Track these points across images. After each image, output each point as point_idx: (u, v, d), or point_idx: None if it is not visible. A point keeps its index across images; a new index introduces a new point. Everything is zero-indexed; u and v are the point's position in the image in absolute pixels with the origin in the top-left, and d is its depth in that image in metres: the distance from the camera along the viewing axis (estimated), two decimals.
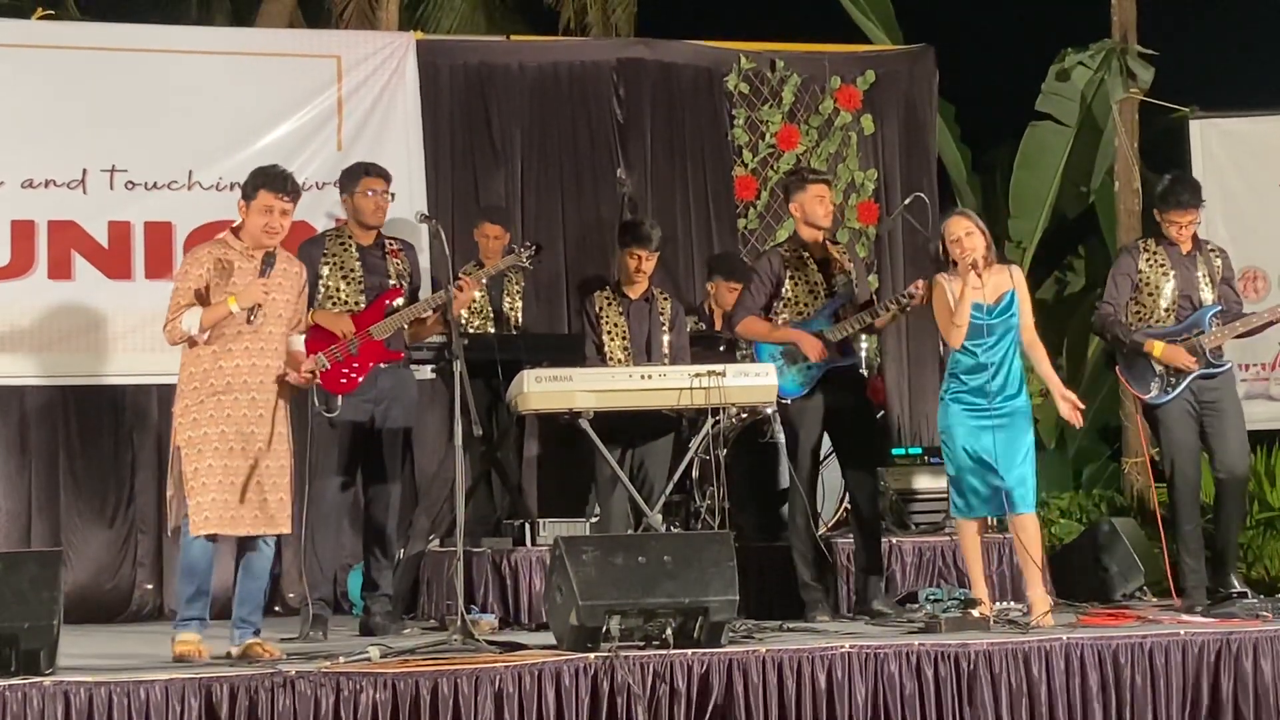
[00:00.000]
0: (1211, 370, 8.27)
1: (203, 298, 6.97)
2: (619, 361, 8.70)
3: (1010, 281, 7.79)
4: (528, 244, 8.72)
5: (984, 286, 7.71)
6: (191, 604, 7.00)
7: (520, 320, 9.64)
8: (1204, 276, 8.36)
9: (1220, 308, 8.37)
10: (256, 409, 6.98)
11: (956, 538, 8.71)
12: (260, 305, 6.92)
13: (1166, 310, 8.32)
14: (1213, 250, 8.48)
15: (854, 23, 13.58)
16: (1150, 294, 8.36)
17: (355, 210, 8.19)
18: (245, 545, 7.10)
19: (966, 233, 7.74)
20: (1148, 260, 8.38)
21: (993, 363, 7.68)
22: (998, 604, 7.72)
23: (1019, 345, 7.82)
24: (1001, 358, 7.71)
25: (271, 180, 7.10)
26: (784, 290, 8.34)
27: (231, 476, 6.92)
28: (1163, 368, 8.24)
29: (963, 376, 7.76)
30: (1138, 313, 8.38)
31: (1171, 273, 8.34)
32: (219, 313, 6.91)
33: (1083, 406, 7.91)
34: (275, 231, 7.07)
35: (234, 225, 7.20)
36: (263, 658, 6.78)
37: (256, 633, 7.07)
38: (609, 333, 8.78)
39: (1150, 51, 11.98)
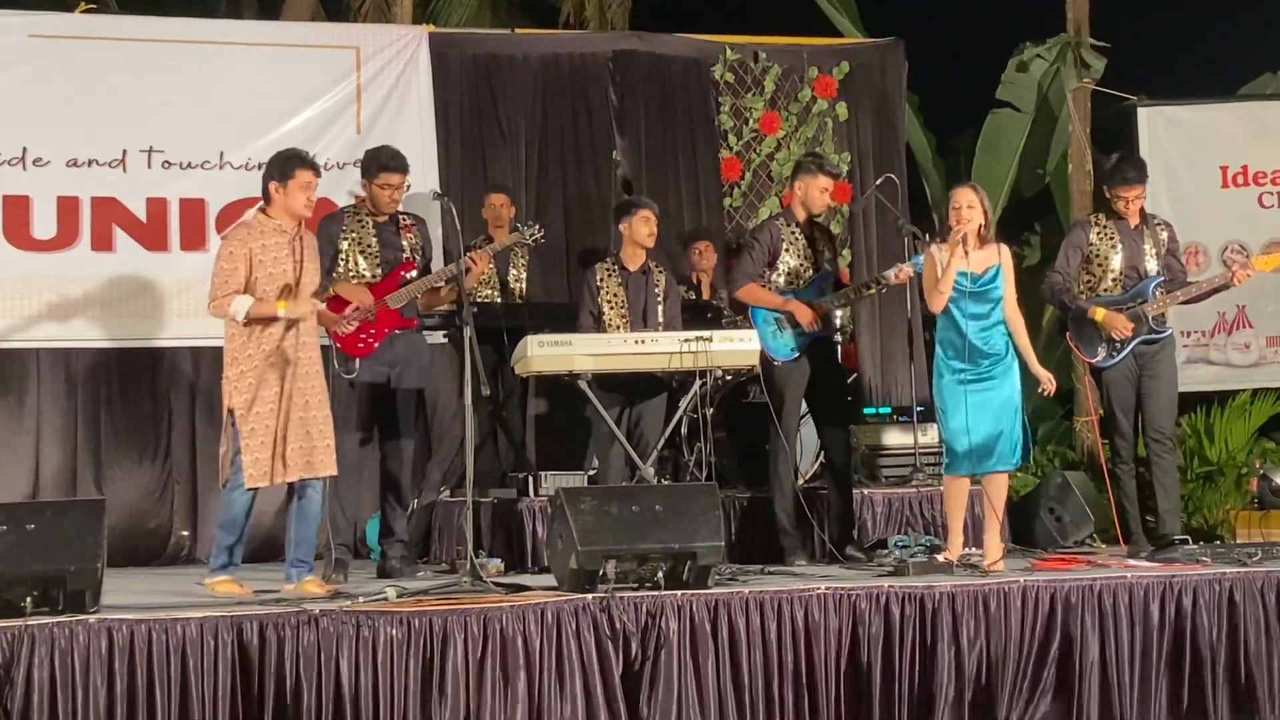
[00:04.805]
0: (1153, 337, 8.29)
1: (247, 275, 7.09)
2: (617, 329, 8.67)
3: (998, 257, 7.77)
4: (531, 223, 8.73)
5: (969, 258, 7.67)
6: (231, 550, 7.19)
7: (525, 291, 9.63)
8: (1150, 249, 8.37)
9: (1164, 279, 8.38)
10: (301, 368, 7.11)
11: (924, 489, 8.79)
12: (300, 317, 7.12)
13: (1114, 280, 8.34)
14: (1159, 224, 8.49)
15: (828, 17, 13.55)
16: (1100, 264, 8.37)
17: (372, 198, 8.18)
18: (296, 493, 7.20)
19: (969, 205, 7.69)
20: (1098, 233, 8.39)
21: (974, 327, 7.66)
22: (961, 550, 7.73)
23: (1003, 314, 7.79)
24: (984, 322, 7.69)
25: (305, 160, 7.23)
26: (779, 261, 8.34)
27: (281, 432, 7.05)
28: (1107, 333, 8.26)
29: (948, 341, 7.73)
30: (1088, 281, 8.40)
31: (1120, 245, 8.35)
32: (267, 312, 7.06)
33: (1053, 378, 7.83)
34: (313, 204, 7.23)
35: (260, 206, 7.26)
36: (318, 594, 6.88)
37: (311, 570, 7.21)
38: (609, 302, 8.75)
39: (1102, 44, 11.98)
